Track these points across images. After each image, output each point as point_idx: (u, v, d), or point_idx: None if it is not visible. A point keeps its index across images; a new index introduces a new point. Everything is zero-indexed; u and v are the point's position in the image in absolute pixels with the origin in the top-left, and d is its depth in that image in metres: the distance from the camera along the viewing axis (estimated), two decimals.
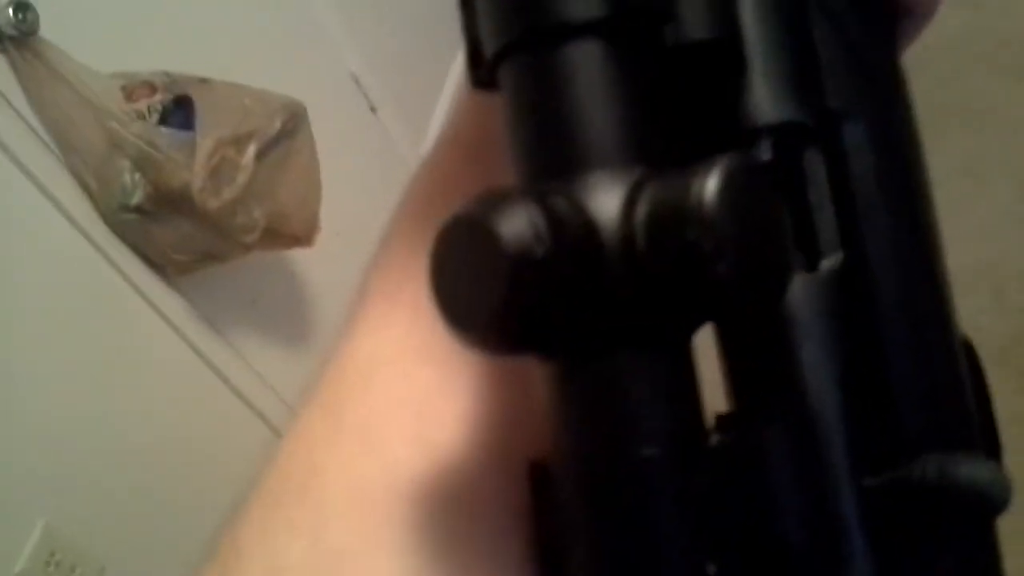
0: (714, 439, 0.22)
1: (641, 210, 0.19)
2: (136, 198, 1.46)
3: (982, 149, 1.67)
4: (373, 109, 2.41)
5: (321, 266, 2.02)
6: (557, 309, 0.18)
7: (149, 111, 1.47)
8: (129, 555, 1.49)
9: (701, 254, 0.18)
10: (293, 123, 1.63)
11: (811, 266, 0.24)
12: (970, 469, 0.22)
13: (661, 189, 0.19)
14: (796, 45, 0.24)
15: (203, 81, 1.52)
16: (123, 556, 1.47)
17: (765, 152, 0.24)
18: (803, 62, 0.24)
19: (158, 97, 1.47)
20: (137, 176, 1.45)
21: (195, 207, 1.45)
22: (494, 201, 0.19)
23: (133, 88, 1.47)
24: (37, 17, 1.38)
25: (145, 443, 1.56)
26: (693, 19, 0.22)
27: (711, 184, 0.18)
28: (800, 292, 0.24)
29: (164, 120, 1.47)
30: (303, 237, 1.74)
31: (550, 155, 0.21)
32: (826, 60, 0.25)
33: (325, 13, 2.20)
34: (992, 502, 0.22)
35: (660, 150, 0.21)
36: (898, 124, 0.26)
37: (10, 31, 1.35)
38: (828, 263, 0.24)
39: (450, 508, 0.25)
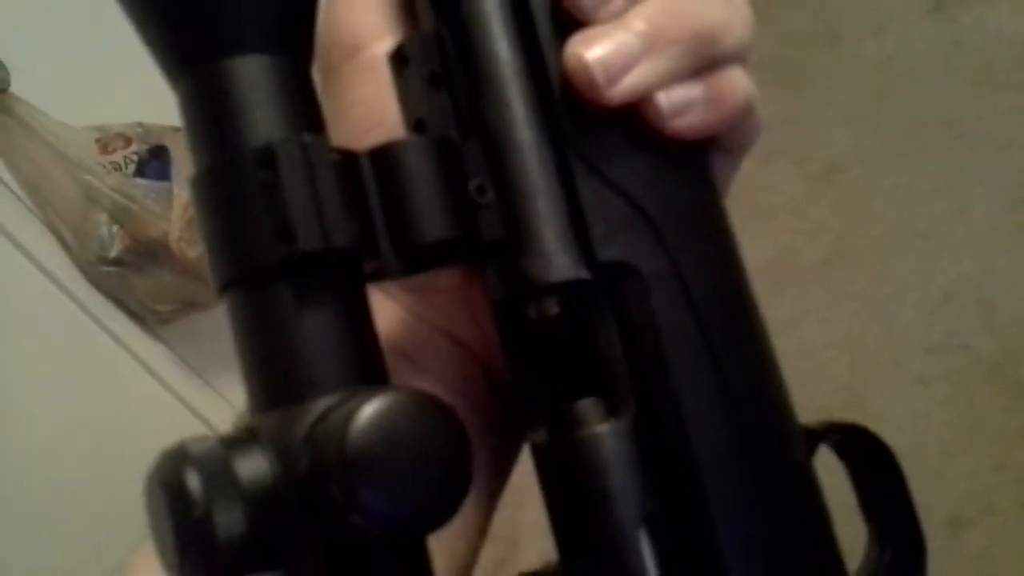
0: None
1: (303, 462, 0.20)
2: (114, 250, 1.45)
3: (964, 164, 1.67)
4: None
5: None
6: (230, 555, 0.20)
7: (125, 162, 1.46)
8: None
9: (337, 504, 0.19)
10: None
11: (611, 413, 0.25)
12: None
13: (320, 436, 0.20)
14: (560, 205, 0.25)
15: (177, 130, 1.51)
16: None
17: (552, 308, 0.25)
18: (568, 217, 0.25)
19: (133, 148, 1.47)
20: (115, 228, 1.44)
21: (174, 257, 1.45)
22: (176, 455, 0.21)
23: (107, 140, 1.46)
24: (8, 74, 1.37)
25: (133, 495, 1.54)
26: (418, 228, 0.23)
27: (350, 434, 0.19)
28: (606, 441, 0.24)
29: (141, 171, 1.46)
30: None
31: (256, 391, 0.23)
32: (592, 214, 0.25)
33: None
34: None
35: (360, 368, 0.22)
36: (695, 263, 0.25)
37: None
38: (629, 411, 0.24)
39: None
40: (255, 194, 0.22)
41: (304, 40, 0.25)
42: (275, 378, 0.22)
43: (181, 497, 0.20)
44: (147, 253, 1.46)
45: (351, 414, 0.20)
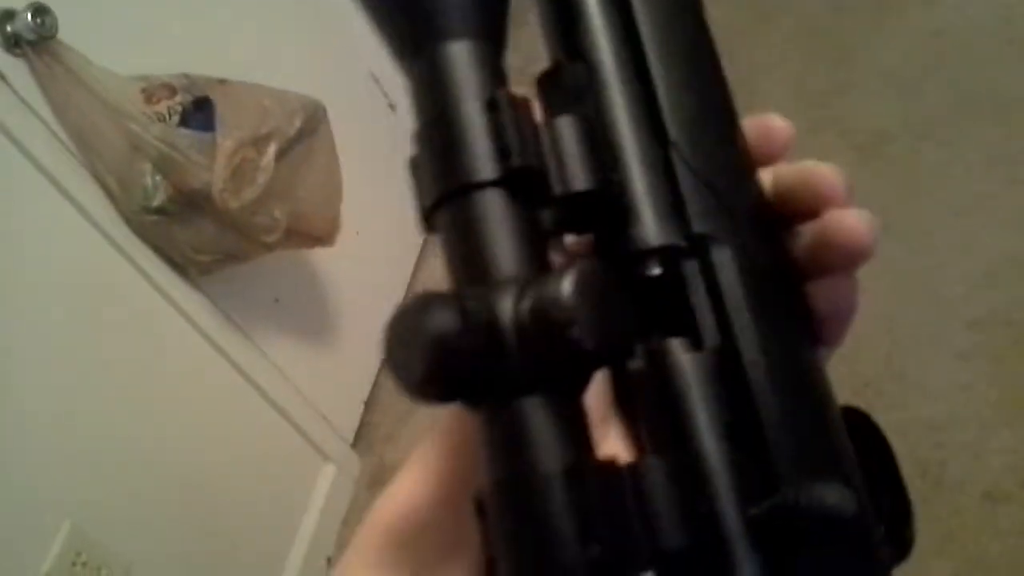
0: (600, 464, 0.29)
1: (526, 302, 0.27)
2: (158, 200, 1.47)
3: (1012, 139, 1.64)
4: (392, 107, 2.41)
5: (342, 264, 2.01)
6: (465, 372, 0.27)
7: (169, 113, 1.47)
8: (155, 554, 1.50)
9: (560, 323, 0.27)
10: (312, 123, 1.63)
11: (696, 346, 0.33)
12: (820, 491, 0.29)
13: (537, 286, 0.28)
14: (663, 187, 0.34)
15: (222, 82, 1.52)
16: (149, 556, 1.48)
17: (654, 268, 0.34)
18: (670, 200, 0.34)
19: (178, 99, 1.47)
20: (158, 178, 1.45)
21: (216, 208, 1.45)
22: (422, 298, 0.27)
23: (152, 90, 1.47)
24: (56, 21, 1.38)
25: (168, 442, 1.57)
26: (574, 175, 0.32)
27: (565, 280, 0.27)
28: (689, 368, 0.32)
29: (184, 122, 1.47)
30: (324, 237, 1.74)
31: (468, 273, 0.30)
32: (689, 198, 0.34)
33: (344, 12, 2.20)
34: (839, 517, 0.29)
35: (543, 262, 0.31)
36: (757, 243, 0.34)
37: (29, 35, 1.36)
38: (710, 346, 0.33)
39: (426, 535, 0.34)
40: (483, 129, 0.31)
41: (500, 32, 0.34)
42: (483, 263, 0.30)
43: (431, 324, 0.27)
44: (190, 203, 1.47)
45: (560, 276, 0.27)
